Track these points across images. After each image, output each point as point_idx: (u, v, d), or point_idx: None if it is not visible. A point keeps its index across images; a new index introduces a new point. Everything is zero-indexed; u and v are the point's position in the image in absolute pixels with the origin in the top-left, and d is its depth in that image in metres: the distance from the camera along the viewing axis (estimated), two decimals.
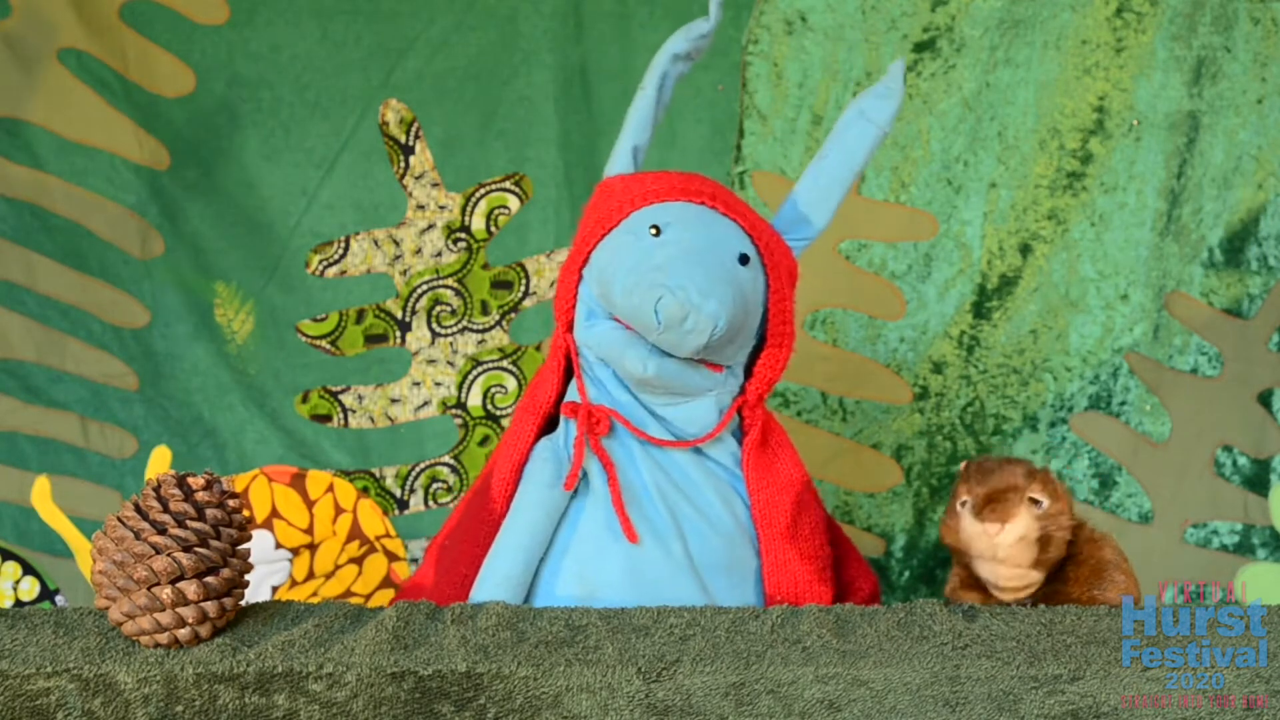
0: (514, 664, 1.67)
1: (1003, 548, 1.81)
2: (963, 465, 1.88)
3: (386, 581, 2.28)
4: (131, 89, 2.82)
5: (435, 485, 2.89)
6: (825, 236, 2.74)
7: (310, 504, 2.27)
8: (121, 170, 2.83)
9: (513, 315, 2.89)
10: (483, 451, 2.85)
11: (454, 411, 2.90)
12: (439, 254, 2.88)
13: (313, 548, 2.26)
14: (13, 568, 2.21)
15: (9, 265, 2.80)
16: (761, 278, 1.99)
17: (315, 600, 2.16)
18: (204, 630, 1.71)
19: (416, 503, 2.89)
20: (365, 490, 2.62)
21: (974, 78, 2.81)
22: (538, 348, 2.90)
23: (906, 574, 2.86)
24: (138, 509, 1.72)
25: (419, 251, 2.88)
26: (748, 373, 2.04)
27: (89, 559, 1.78)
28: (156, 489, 1.74)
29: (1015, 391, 2.85)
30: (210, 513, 1.74)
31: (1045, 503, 1.82)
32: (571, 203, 2.86)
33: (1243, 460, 2.79)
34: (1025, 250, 2.84)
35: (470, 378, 2.89)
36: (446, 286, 2.89)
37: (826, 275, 2.79)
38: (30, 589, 2.21)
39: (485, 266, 2.89)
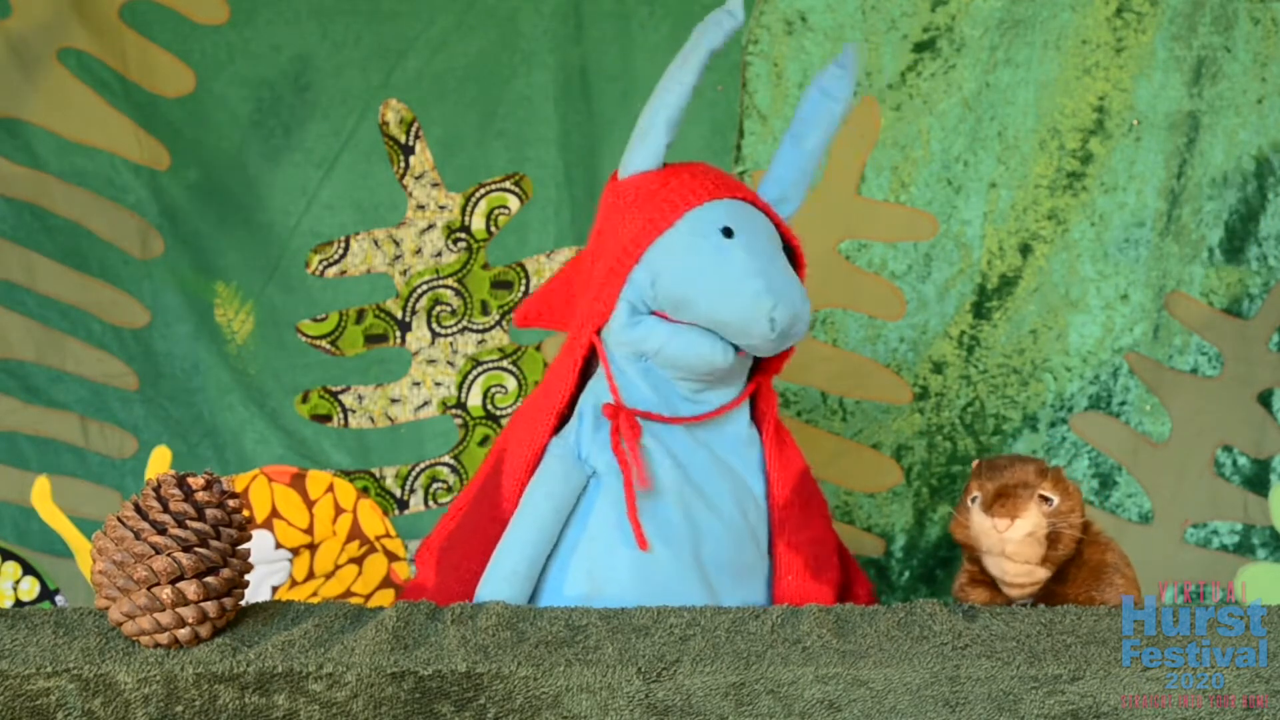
0: (514, 664, 1.67)
1: (1011, 543, 1.81)
2: (974, 463, 1.88)
3: (386, 581, 2.28)
4: (131, 89, 2.82)
5: (435, 485, 2.89)
6: (825, 236, 2.74)
7: (310, 504, 2.27)
8: (121, 170, 2.83)
9: (513, 315, 2.89)
10: (483, 451, 2.85)
11: (454, 411, 2.89)
12: (439, 254, 2.88)
13: (313, 548, 2.26)
14: (13, 568, 2.21)
15: (9, 265, 2.80)
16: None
17: (315, 600, 2.16)
18: (204, 630, 1.71)
19: (416, 503, 2.89)
20: (365, 490, 2.62)
21: (974, 78, 2.81)
22: (538, 348, 2.90)
23: (906, 574, 2.86)
24: (138, 509, 1.73)
25: (419, 251, 2.88)
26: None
27: (89, 559, 1.78)
28: (156, 489, 1.74)
29: (1015, 391, 2.85)
30: (210, 513, 1.74)
31: (1056, 500, 1.81)
32: (571, 203, 2.86)
33: (1243, 460, 2.79)
34: (1025, 250, 2.83)
35: (470, 378, 2.89)
36: (446, 286, 2.89)
37: (826, 275, 2.79)
38: (30, 589, 2.21)
39: (485, 266, 2.89)
